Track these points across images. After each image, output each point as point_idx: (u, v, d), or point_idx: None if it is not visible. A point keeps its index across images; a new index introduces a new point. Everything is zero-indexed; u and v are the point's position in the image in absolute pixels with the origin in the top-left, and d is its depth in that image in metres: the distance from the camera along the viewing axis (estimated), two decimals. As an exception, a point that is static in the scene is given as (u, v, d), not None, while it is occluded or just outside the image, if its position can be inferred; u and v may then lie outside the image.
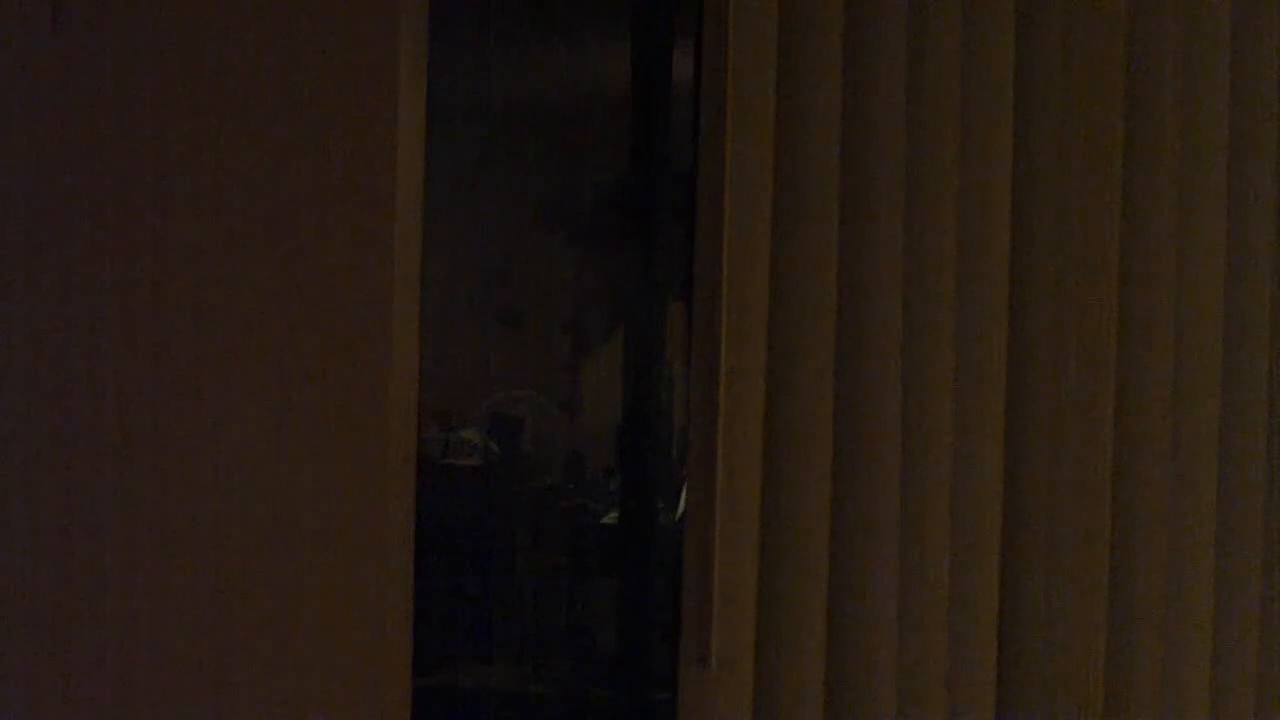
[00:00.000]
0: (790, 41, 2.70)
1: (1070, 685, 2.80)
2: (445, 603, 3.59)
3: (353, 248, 2.54)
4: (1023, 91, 2.79)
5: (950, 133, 2.74)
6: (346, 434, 2.54)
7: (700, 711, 2.72)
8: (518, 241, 3.75)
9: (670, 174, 3.22)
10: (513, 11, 3.11)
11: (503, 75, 3.27)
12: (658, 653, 3.35)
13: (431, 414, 3.73)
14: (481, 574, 3.63)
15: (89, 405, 2.51)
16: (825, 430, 2.72)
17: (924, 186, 2.74)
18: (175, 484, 2.52)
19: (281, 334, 2.54)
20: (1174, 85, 2.80)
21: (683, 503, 3.46)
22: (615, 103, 3.24)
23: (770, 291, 2.70)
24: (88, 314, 2.50)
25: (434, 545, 2.82)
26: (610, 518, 3.72)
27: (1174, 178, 2.82)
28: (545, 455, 3.91)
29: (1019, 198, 2.79)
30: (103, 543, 2.51)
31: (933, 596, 2.76)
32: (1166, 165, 2.81)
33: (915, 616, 2.76)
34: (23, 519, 2.52)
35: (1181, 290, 2.83)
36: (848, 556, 2.74)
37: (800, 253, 2.71)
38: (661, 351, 3.34)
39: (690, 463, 2.75)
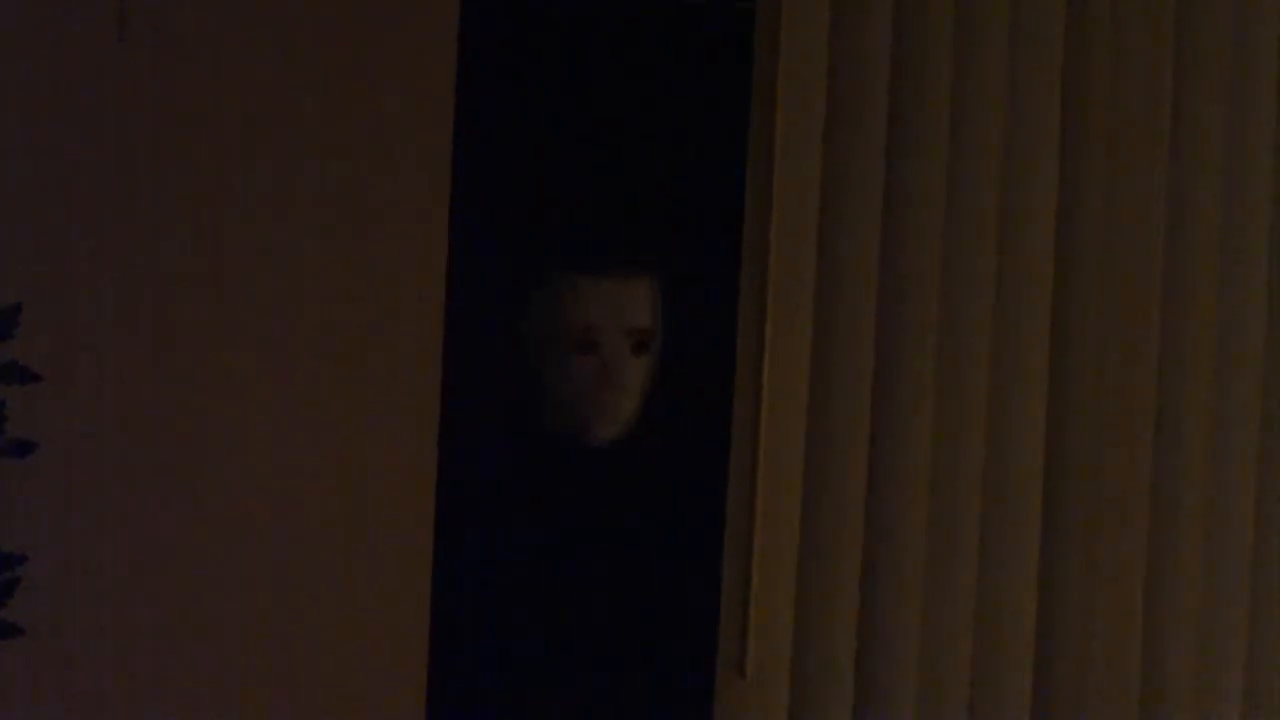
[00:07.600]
0: (838, 57, 2.76)
1: (1104, 695, 2.85)
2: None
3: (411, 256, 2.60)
4: (1068, 95, 2.84)
5: (994, 148, 2.81)
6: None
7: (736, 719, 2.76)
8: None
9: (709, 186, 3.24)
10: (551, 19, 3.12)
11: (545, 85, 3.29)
12: (683, 663, 3.37)
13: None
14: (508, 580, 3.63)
15: (150, 397, 2.54)
16: (861, 440, 2.78)
17: (965, 195, 2.80)
18: (226, 479, 2.56)
19: (337, 329, 2.59)
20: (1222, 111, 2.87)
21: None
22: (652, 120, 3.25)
23: (815, 303, 2.75)
24: (151, 310, 2.53)
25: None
26: (635, 525, 3.74)
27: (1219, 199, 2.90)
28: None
29: (1063, 197, 2.85)
30: (149, 542, 2.54)
31: (964, 605, 2.81)
32: (1210, 193, 2.88)
33: (946, 625, 2.82)
34: (75, 522, 2.53)
35: (1223, 304, 2.91)
36: (881, 565, 2.80)
37: (844, 262, 2.76)
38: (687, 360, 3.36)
39: (731, 474, 2.80)
